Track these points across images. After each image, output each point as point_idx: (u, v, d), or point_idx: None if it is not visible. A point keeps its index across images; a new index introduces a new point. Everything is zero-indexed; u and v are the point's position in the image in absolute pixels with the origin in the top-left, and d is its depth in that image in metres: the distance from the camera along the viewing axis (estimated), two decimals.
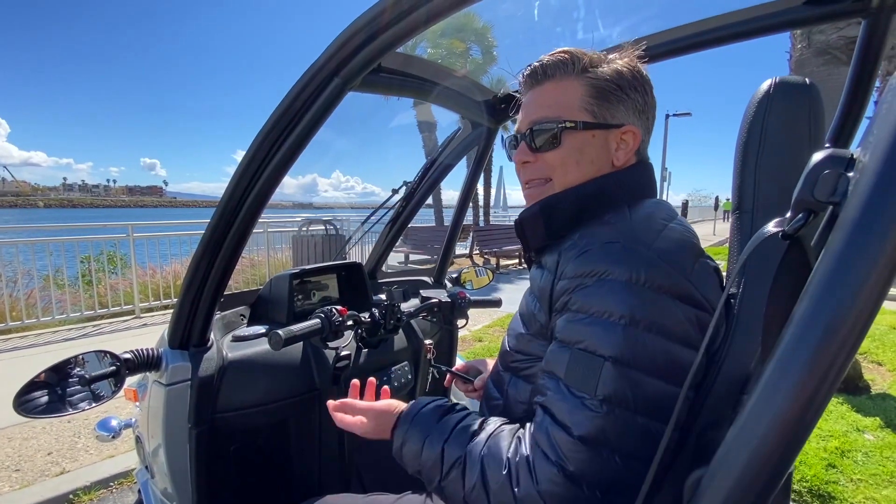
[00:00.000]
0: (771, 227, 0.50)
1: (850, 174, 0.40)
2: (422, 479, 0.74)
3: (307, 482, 1.28)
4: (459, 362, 2.06)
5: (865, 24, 0.87)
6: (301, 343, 1.19)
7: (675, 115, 19.73)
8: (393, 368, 1.40)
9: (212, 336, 1.10)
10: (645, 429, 0.60)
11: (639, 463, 0.59)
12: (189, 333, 1.04)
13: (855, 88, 0.92)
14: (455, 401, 0.81)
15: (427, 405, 0.78)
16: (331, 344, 1.11)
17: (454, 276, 1.97)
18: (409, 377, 1.45)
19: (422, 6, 0.67)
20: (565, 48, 0.77)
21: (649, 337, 0.61)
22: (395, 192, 1.74)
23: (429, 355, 1.59)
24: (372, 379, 0.92)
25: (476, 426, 0.72)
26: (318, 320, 1.07)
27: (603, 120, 0.75)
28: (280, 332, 0.97)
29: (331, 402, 0.87)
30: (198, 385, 1.02)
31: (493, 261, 10.21)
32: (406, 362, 1.46)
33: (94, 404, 0.91)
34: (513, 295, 7.11)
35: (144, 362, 1.00)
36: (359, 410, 0.84)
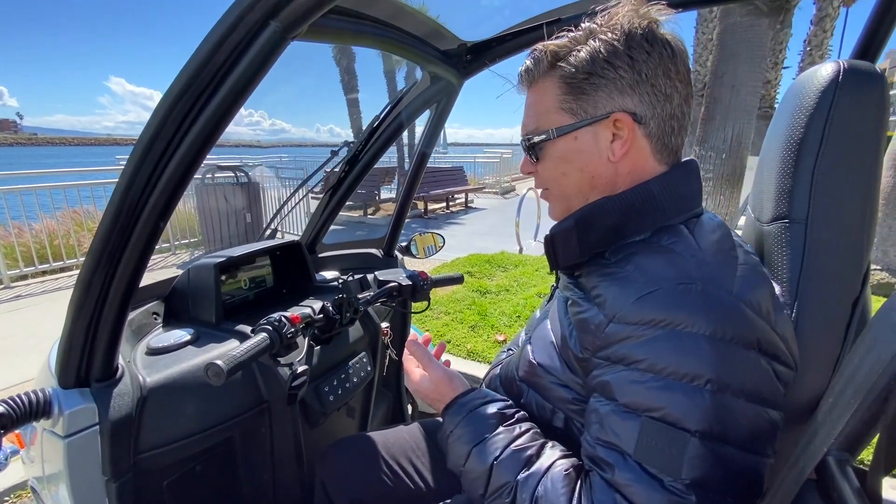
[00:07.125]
0: None
1: None
2: (459, 477, 0.70)
3: (260, 502, 1.12)
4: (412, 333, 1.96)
5: None
6: None
7: None
8: (350, 363, 1.25)
9: (120, 360, 0.85)
10: None
11: None
12: (88, 367, 0.79)
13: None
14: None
15: (486, 404, 0.72)
16: (283, 360, 0.92)
17: (403, 244, 1.80)
18: (369, 369, 1.31)
19: None
20: (540, 44, 0.67)
21: (740, 404, 0.52)
22: (334, 153, 1.48)
23: (386, 339, 1.45)
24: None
25: (533, 451, 0.65)
26: (265, 335, 0.87)
27: (584, 115, 0.65)
28: (219, 362, 0.76)
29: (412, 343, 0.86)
30: (110, 430, 0.79)
31: (420, 206, 10.02)
32: (364, 353, 1.31)
33: None
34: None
35: (25, 413, 0.74)
36: (428, 367, 0.82)
